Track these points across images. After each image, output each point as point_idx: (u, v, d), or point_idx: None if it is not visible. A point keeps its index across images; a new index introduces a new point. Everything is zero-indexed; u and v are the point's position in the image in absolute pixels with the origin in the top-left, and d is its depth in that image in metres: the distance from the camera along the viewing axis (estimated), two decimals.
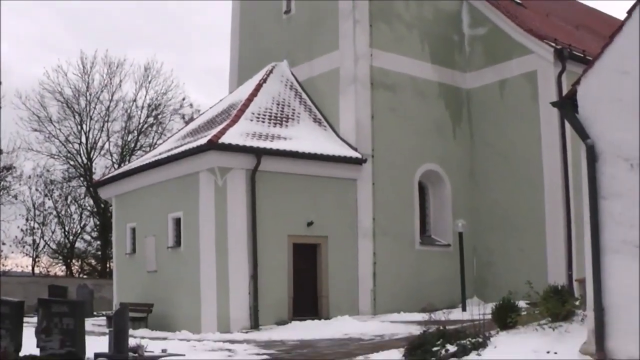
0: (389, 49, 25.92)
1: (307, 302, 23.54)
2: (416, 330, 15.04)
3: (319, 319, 22.74)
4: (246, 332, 21.31)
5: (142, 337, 18.35)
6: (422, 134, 26.35)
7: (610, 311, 10.96)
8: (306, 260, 23.70)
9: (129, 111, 46.84)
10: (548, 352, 12.04)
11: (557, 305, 13.48)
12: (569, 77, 22.89)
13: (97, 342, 15.62)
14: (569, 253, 23.80)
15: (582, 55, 24.79)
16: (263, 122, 24.39)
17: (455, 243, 25.38)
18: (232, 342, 18.67)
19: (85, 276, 47.54)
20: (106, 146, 46.71)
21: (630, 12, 11.13)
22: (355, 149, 24.52)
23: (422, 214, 26.82)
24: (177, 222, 23.98)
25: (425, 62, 26.94)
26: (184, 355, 15.85)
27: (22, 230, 46.68)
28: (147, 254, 25.43)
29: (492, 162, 26.71)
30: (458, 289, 24.17)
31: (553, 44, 24.96)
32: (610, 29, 11.85)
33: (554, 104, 12.10)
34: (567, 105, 11.58)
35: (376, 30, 25.59)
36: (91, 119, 45.89)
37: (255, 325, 21.97)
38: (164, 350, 15.98)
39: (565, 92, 18.41)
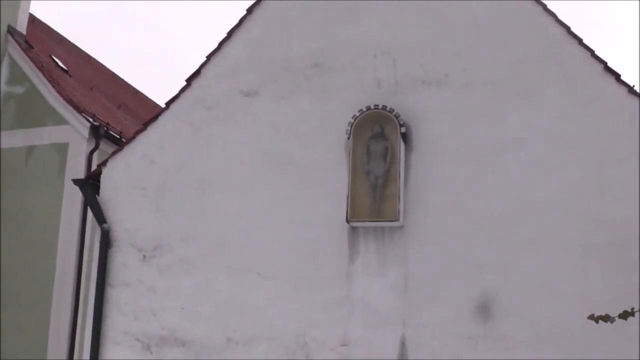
0: None
1: None
2: None
3: None
4: None
5: None
6: None
7: None
8: None
9: None
10: None
11: None
12: (102, 156, 22.62)
13: None
14: (72, 339, 23.06)
15: (118, 136, 24.72)
16: None
17: None
18: None
19: None
20: None
21: (168, 104, 11.25)
22: None
23: None
24: None
25: None
26: None
27: None
28: None
29: (6, 231, 25.08)
30: None
31: (90, 120, 24.51)
32: (152, 115, 11.85)
33: (75, 182, 11.60)
34: (89, 185, 11.20)
35: None
36: None
37: None
38: None
39: None
